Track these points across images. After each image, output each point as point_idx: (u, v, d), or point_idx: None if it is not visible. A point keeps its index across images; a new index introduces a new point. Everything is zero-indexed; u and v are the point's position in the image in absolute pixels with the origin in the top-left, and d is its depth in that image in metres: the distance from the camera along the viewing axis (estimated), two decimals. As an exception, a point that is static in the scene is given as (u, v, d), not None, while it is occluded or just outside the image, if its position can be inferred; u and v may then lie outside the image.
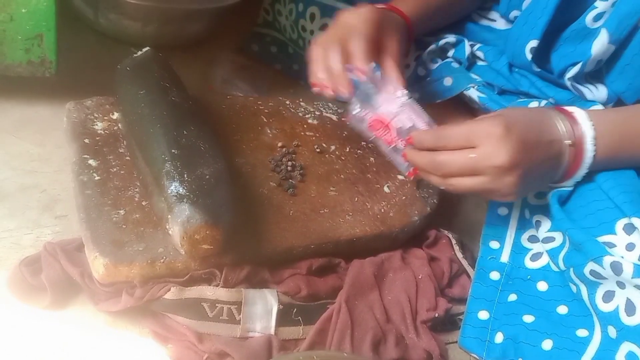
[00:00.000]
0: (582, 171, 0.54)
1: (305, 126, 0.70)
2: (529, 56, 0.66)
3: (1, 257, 0.55)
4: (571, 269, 0.53)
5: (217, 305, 0.52)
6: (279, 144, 0.66)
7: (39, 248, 0.55)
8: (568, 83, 0.64)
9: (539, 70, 0.67)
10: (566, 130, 0.53)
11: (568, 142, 0.53)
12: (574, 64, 0.63)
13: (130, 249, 0.51)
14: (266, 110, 0.70)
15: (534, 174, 0.52)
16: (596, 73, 0.64)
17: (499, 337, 0.56)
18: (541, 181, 0.55)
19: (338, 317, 0.54)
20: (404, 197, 0.64)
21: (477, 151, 0.51)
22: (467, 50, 0.74)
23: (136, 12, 0.78)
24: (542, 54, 0.67)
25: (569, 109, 0.55)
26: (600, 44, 0.59)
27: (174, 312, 0.52)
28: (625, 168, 0.55)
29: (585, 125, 0.53)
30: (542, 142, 0.52)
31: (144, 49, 0.65)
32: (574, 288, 0.54)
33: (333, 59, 0.57)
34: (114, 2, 0.77)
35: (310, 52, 0.59)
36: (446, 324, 0.59)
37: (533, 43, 0.65)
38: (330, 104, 0.76)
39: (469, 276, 0.62)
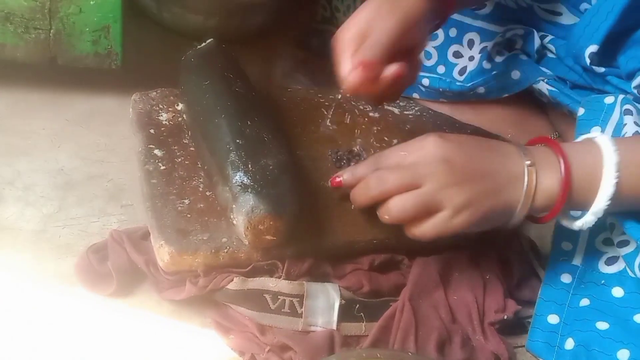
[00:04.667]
0: (601, 203, 0.48)
1: (366, 119, 0.68)
2: (587, 61, 0.63)
3: (69, 243, 0.56)
4: None
5: (279, 297, 0.51)
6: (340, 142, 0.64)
7: (105, 236, 0.56)
8: (635, 91, 0.60)
9: (603, 70, 0.63)
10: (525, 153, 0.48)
11: (528, 162, 0.48)
12: None
13: (195, 238, 0.51)
14: (326, 103, 0.69)
15: (485, 184, 0.48)
16: None
17: (569, 343, 0.53)
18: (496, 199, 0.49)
19: (401, 315, 0.53)
20: (469, 194, 0.62)
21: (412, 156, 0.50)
22: (537, 42, 0.71)
23: (199, 6, 0.78)
24: (608, 54, 0.63)
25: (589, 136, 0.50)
26: None
27: (236, 303, 0.52)
28: None
29: (607, 150, 0.47)
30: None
31: (208, 41, 0.65)
32: None
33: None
34: (177, -5, 0.78)
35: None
36: (515, 327, 0.57)
37: (592, 48, 0.62)
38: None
39: (539, 278, 0.59)
